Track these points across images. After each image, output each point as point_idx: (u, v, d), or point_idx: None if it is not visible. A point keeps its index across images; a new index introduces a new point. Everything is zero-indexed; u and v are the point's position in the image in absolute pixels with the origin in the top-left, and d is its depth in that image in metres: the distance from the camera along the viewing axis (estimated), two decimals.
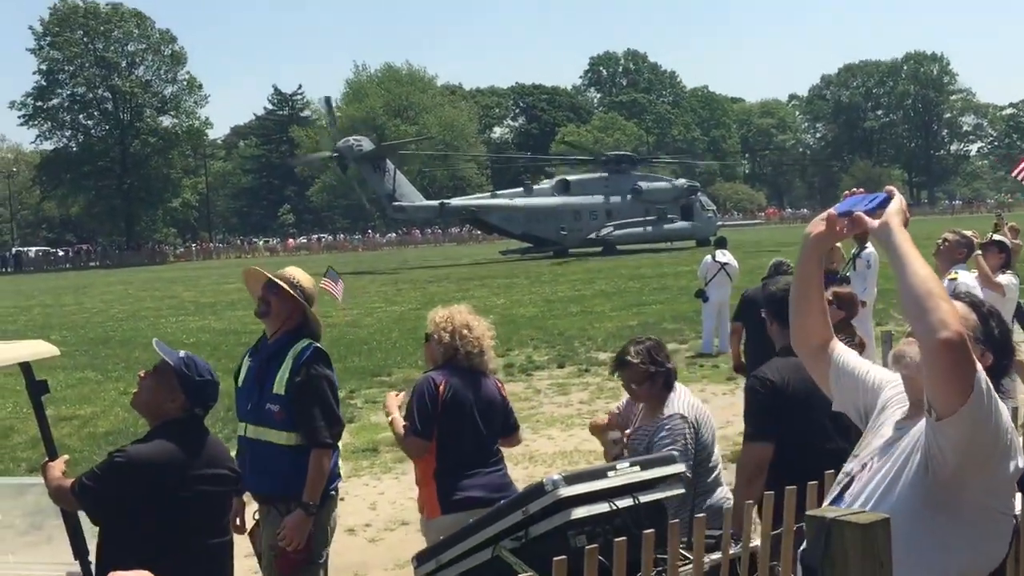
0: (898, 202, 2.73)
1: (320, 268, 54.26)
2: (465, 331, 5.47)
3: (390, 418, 5.70)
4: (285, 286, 5.35)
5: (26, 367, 4.77)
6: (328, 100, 70.21)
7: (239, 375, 5.60)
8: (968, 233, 9.50)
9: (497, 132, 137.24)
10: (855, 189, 2.92)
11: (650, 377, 4.96)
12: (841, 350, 3.14)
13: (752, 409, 4.81)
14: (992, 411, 2.48)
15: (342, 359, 19.00)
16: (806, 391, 4.50)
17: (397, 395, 5.89)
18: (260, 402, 5.28)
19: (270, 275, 5.45)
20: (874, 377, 3.10)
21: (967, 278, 8.77)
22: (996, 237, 9.77)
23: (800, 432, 4.55)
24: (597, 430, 5.68)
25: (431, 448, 5.34)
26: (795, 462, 4.33)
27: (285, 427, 5.21)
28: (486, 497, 5.10)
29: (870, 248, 16.82)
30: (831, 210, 2.87)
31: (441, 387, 5.34)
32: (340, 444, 5.50)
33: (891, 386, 3.04)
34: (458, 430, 5.35)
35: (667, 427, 4.87)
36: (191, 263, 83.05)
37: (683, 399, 5.11)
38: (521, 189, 59.62)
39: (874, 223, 2.70)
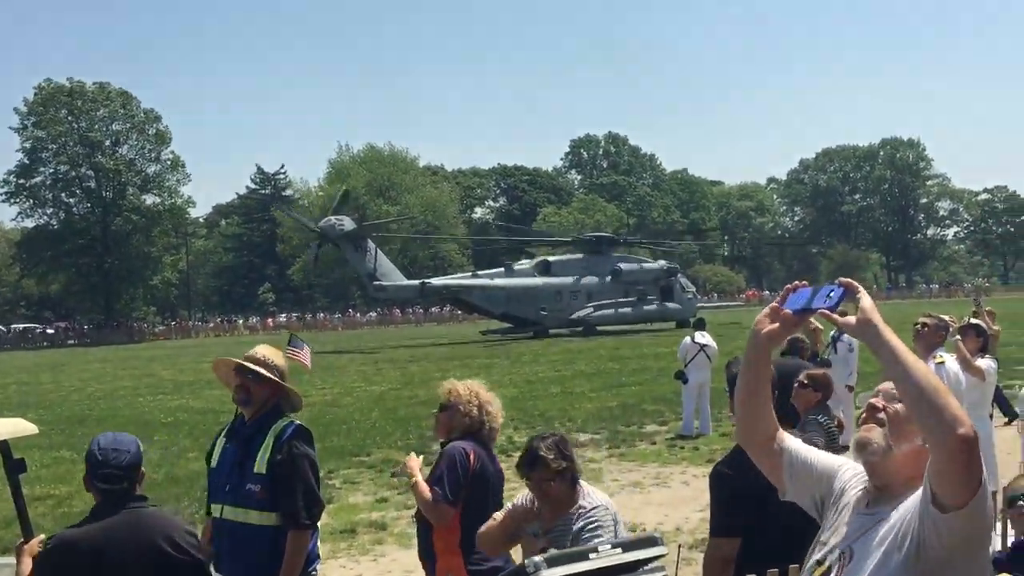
0: (868, 297, 2.70)
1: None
2: (489, 407, 5.70)
3: (413, 480, 5.71)
4: (261, 369, 5.29)
5: (3, 445, 4.74)
6: (347, 194, 70.46)
7: (212, 456, 5.49)
8: (945, 317, 9.57)
9: (479, 212, 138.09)
10: (797, 283, 2.84)
11: (560, 473, 4.81)
12: (789, 440, 3.10)
13: (718, 500, 4.73)
14: (988, 500, 2.50)
15: (321, 438, 18.82)
16: (760, 489, 4.57)
17: (418, 457, 5.92)
18: (240, 483, 5.18)
19: (241, 361, 5.35)
20: (825, 464, 3.09)
21: (952, 361, 8.83)
22: (974, 321, 9.85)
23: (768, 523, 4.38)
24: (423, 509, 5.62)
25: (455, 518, 5.46)
26: (764, 554, 4.30)
27: (265, 507, 5.13)
28: (504, 567, 5.17)
29: None
30: (785, 310, 2.80)
31: (471, 457, 5.50)
32: (318, 524, 5.44)
33: (844, 470, 3.03)
34: (483, 502, 5.49)
35: (592, 518, 4.76)
36: (170, 341, 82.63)
37: (595, 492, 5.07)
38: (502, 269, 59.85)
39: (851, 321, 2.65)
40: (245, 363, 5.32)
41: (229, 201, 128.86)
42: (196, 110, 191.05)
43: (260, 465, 5.17)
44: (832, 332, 16.32)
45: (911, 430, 2.74)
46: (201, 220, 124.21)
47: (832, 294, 2.68)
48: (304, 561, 5.16)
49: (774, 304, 2.83)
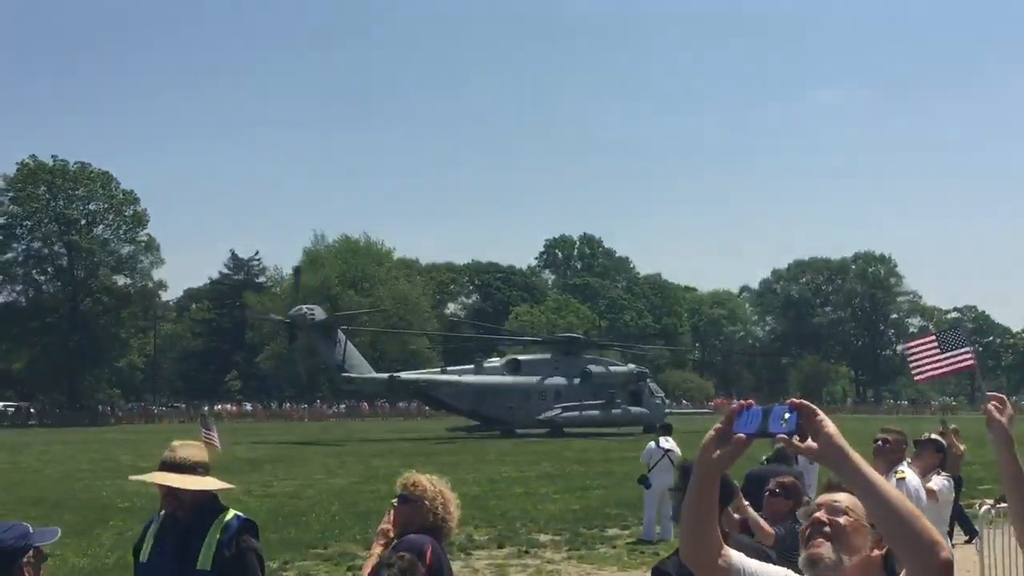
0: (829, 421, 2.62)
1: (265, 436, 53.02)
2: (452, 506, 5.66)
3: (371, 552, 5.63)
4: (191, 481, 5.18)
5: None
6: (297, 271, 70.27)
7: (141, 550, 5.33)
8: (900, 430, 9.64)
9: (451, 308, 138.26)
10: (743, 403, 2.76)
11: None
12: (734, 555, 3.09)
13: None
14: None
15: (279, 529, 18.72)
16: None
17: (388, 529, 5.72)
18: None
19: (172, 485, 5.19)
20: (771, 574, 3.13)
21: (912, 476, 8.84)
22: (933, 436, 9.88)
23: None
24: None
25: None
26: None
27: None
28: None
29: None
30: (738, 433, 2.70)
31: (429, 555, 5.41)
32: None
33: None
34: None
35: None
36: (133, 426, 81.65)
37: None
38: (472, 366, 59.85)
39: (814, 446, 2.59)
40: (173, 485, 5.16)
41: (201, 285, 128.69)
42: (172, 192, 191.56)
43: (204, 561, 5.02)
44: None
45: (858, 542, 2.82)
46: (171, 303, 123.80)
47: (787, 416, 2.58)
48: None
49: (720, 426, 2.76)
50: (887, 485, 2.48)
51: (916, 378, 11.05)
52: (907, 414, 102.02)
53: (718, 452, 2.74)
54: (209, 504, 5.23)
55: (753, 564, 3.10)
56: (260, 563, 5.16)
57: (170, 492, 5.18)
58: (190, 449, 5.39)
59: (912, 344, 10.84)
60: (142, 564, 5.29)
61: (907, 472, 8.80)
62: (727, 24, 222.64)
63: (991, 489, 22.32)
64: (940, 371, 10.22)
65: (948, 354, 10.22)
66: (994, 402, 3.22)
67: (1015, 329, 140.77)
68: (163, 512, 5.34)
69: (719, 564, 2.97)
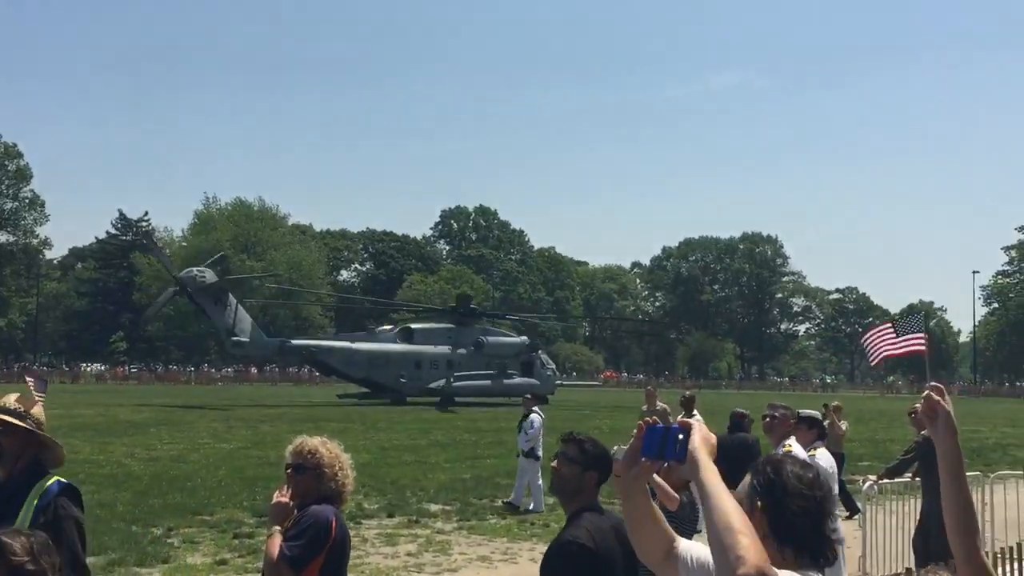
0: (698, 432, 2.75)
1: (150, 399, 51.92)
2: (348, 471, 5.44)
3: (271, 533, 5.30)
4: (13, 420, 4.80)
5: None
6: (149, 234, 68.06)
7: None
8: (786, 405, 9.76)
9: (344, 275, 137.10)
10: (649, 420, 2.86)
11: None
12: (683, 545, 3.14)
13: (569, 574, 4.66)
14: None
15: (163, 494, 18.25)
16: (614, 553, 4.72)
17: (288, 501, 5.37)
18: None
19: None
20: None
21: (799, 450, 8.98)
22: (805, 412, 9.98)
23: None
24: None
25: None
26: None
27: None
28: None
29: (696, 417, 17.61)
30: (643, 458, 2.82)
31: (334, 526, 5.24)
32: None
33: None
34: (339, 570, 5.31)
35: None
36: (12, 385, 79.13)
37: None
38: (364, 333, 59.36)
39: (685, 463, 2.72)
40: None
41: (87, 244, 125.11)
42: (59, 148, 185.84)
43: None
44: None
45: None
46: (56, 262, 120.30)
47: (680, 438, 2.73)
48: None
49: (631, 445, 2.85)
50: (725, 498, 2.57)
51: (871, 362, 11.35)
52: (789, 391, 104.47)
53: (633, 471, 2.87)
54: (32, 466, 4.85)
55: (696, 548, 3.14)
56: (79, 532, 4.77)
57: None
58: (28, 401, 5.01)
59: (870, 334, 11.23)
60: None
61: (794, 445, 8.98)
62: (632, 1, 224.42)
63: (872, 466, 22.90)
64: (893, 352, 10.55)
65: (902, 338, 10.57)
66: (936, 390, 3.18)
67: (893, 311, 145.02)
68: None
69: (670, 557, 3.10)
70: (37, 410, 4.96)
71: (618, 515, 5.45)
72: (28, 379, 5.69)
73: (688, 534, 7.03)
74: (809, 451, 9.45)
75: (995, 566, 8.16)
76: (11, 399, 4.97)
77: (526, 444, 18.07)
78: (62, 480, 4.84)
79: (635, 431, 2.85)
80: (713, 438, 2.77)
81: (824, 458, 9.47)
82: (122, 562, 12.49)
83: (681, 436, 2.74)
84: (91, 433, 31.24)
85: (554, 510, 17.68)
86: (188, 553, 13.39)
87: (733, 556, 2.43)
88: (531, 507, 17.72)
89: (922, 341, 10.28)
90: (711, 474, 2.65)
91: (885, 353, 10.76)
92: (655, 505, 3.13)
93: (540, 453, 18.27)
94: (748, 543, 2.46)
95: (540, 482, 17.92)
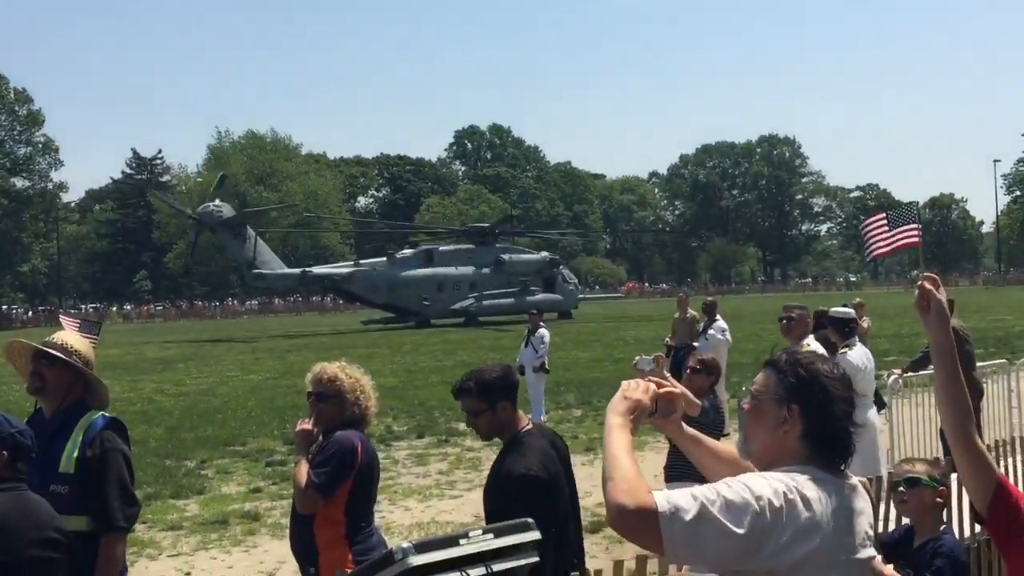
0: (632, 387, 2.87)
1: (176, 335, 52.35)
2: (371, 394, 5.52)
3: (299, 459, 5.41)
4: (59, 354, 4.79)
5: None
6: (223, 178, 67.72)
7: None
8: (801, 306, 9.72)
9: (361, 202, 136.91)
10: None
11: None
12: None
13: (529, 506, 4.31)
14: (682, 547, 2.49)
15: (194, 428, 18.47)
16: (560, 474, 4.83)
17: (314, 429, 5.48)
18: (43, 483, 4.50)
19: (38, 345, 4.84)
20: None
21: (818, 347, 8.96)
22: (835, 311, 9.90)
23: (555, 522, 4.58)
24: None
25: (339, 510, 5.25)
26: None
27: (74, 511, 4.52)
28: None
29: (719, 322, 17.69)
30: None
31: (360, 451, 5.29)
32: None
33: None
34: (367, 493, 5.38)
35: None
36: (39, 329, 79.91)
37: None
38: (384, 259, 59.36)
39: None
40: (41, 347, 4.81)
41: (103, 186, 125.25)
42: (70, 92, 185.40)
43: (66, 464, 4.64)
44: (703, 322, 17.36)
45: (757, 425, 2.80)
46: (73, 205, 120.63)
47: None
48: (119, 569, 4.69)
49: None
50: (609, 442, 2.69)
51: (867, 256, 11.20)
52: (812, 291, 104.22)
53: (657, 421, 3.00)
54: (77, 405, 4.83)
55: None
56: (128, 466, 4.76)
57: (36, 372, 4.81)
58: (73, 336, 5.02)
59: (866, 223, 10.97)
60: None
61: (812, 345, 8.96)
62: None
63: (897, 360, 22.88)
64: (883, 249, 10.29)
65: (896, 231, 10.31)
66: (929, 280, 3.15)
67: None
68: (28, 417, 4.91)
69: None
70: (84, 347, 4.94)
71: (548, 427, 5.44)
72: (64, 320, 5.67)
73: (716, 437, 7.10)
74: (841, 349, 9.42)
75: (1016, 452, 8.16)
76: (59, 336, 4.95)
77: (537, 360, 18.11)
78: (107, 415, 4.84)
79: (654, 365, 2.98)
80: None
81: (857, 355, 9.41)
82: (158, 496, 12.69)
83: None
84: (120, 371, 31.58)
85: (561, 421, 17.88)
86: (222, 483, 13.58)
87: (610, 492, 2.54)
88: (531, 418, 17.82)
89: (915, 233, 10.13)
90: (612, 426, 2.76)
91: (876, 251, 10.56)
92: (709, 443, 3.13)
93: (548, 367, 18.65)
94: (616, 484, 2.55)
95: (542, 394, 18.30)
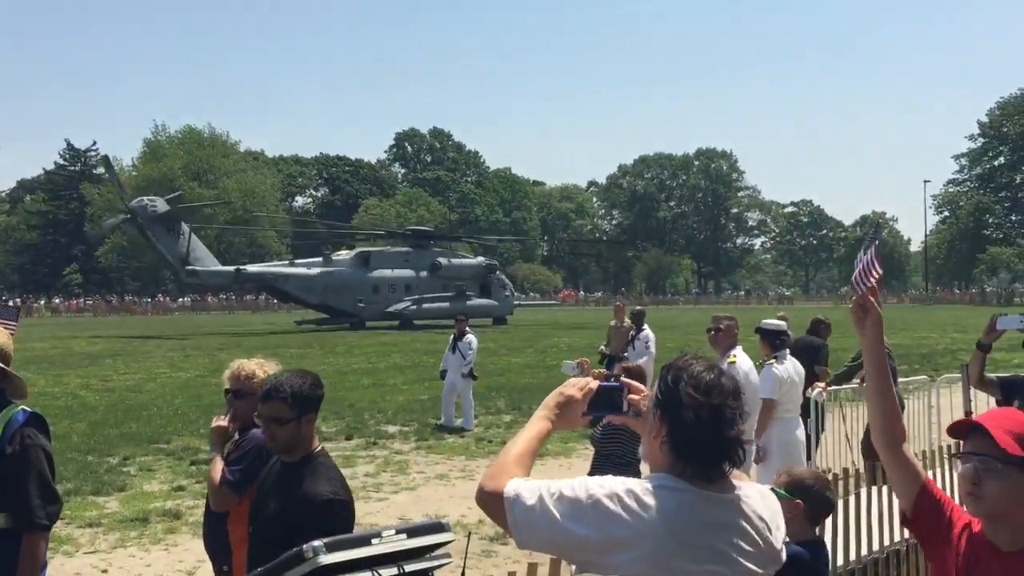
0: (574, 390, 2.95)
1: (106, 330, 51.48)
2: None
3: (213, 456, 5.33)
4: None
5: None
6: (107, 159, 66.22)
7: None
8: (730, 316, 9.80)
9: (299, 201, 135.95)
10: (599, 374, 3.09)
11: None
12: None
13: (337, 532, 4.00)
14: (535, 525, 2.65)
15: (119, 424, 18.19)
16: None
17: (230, 426, 5.40)
18: None
19: None
20: None
21: (744, 360, 9.03)
22: (766, 324, 9.99)
23: None
24: None
25: (246, 509, 5.08)
26: None
27: None
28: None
29: (646, 331, 18.02)
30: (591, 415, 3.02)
31: None
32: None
33: None
34: None
35: None
36: None
37: None
38: (320, 259, 58.94)
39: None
40: None
41: (35, 176, 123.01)
42: (2, 79, 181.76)
43: None
44: (631, 332, 17.57)
45: (645, 431, 2.87)
46: (3, 195, 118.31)
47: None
48: (40, 567, 4.60)
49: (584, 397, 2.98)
50: (522, 432, 2.88)
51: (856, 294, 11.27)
52: (745, 304, 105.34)
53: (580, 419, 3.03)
54: None
55: None
56: (49, 462, 4.66)
57: None
58: None
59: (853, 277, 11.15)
60: None
61: (739, 356, 9.02)
62: None
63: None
64: (861, 283, 10.12)
65: (858, 260, 10.26)
66: (872, 292, 3.18)
67: (847, 223, 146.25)
68: None
69: None
70: (3, 337, 4.79)
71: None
72: (3, 322, 5.49)
73: (636, 448, 7.15)
74: (769, 360, 9.53)
75: (935, 465, 8.32)
76: None
77: (465, 366, 18.21)
78: (27, 409, 4.70)
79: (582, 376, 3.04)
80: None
81: (785, 368, 9.53)
82: (78, 491, 12.47)
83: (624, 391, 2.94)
84: (45, 365, 31.02)
85: (491, 427, 17.89)
86: (144, 481, 13.38)
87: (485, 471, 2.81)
88: (462, 423, 17.81)
89: (864, 259, 10.21)
90: (535, 421, 2.92)
91: (861, 287, 10.48)
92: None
93: (476, 373, 18.82)
94: (500, 463, 2.79)
95: (471, 400, 18.25)
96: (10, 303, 17.88)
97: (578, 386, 2.94)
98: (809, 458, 11.88)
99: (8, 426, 4.56)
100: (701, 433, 2.65)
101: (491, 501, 2.71)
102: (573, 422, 2.96)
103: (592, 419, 2.99)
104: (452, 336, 19.01)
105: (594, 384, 2.95)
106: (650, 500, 2.60)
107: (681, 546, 2.58)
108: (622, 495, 2.60)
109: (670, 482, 2.65)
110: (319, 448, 4.54)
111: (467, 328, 19.00)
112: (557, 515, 2.60)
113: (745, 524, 2.68)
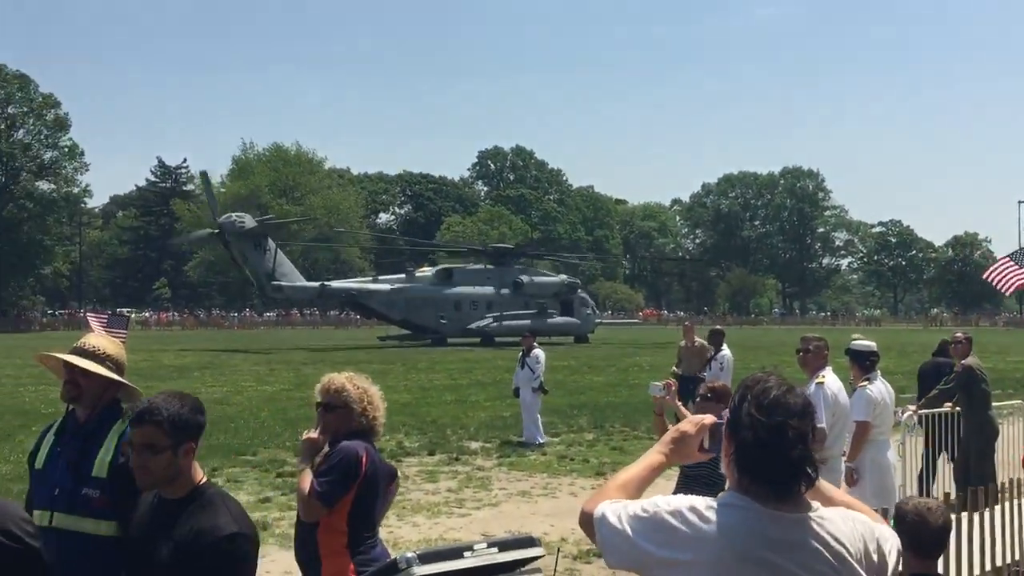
0: (676, 428, 3.03)
1: (193, 344, 52.28)
2: (378, 404, 5.50)
3: (303, 467, 5.41)
4: (92, 367, 4.73)
5: None
6: (205, 175, 67.60)
7: (37, 456, 4.87)
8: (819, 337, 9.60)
9: (383, 218, 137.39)
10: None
11: None
12: None
13: (247, 568, 3.94)
14: (615, 543, 2.75)
15: (207, 436, 18.41)
16: None
17: (320, 439, 5.43)
18: (75, 487, 4.56)
19: (70, 359, 4.73)
20: None
21: (833, 381, 8.83)
22: (857, 345, 9.79)
23: None
24: None
25: (342, 520, 5.25)
26: None
27: (105, 516, 4.55)
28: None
29: (724, 351, 17.70)
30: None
31: (364, 461, 5.29)
32: None
33: None
34: (371, 503, 5.35)
35: None
36: (58, 332, 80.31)
37: None
38: (403, 275, 59.51)
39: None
40: (71, 359, 4.72)
41: (127, 193, 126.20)
42: (98, 97, 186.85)
43: (99, 468, 4.61)
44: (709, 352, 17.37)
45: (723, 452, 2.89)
46: (97, 211, 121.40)
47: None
48: None
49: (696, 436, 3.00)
50: (631, 467, 2.99)
51: (1007, 292, 13.14)
52: (830, 325, 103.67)
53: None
54: (111, 407, 4.81)
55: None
56: None
57: (71, 380, 4.76)
58: (103, 340, 5.01)
59: (991, 270, 12.78)
60: (37, 471, 4.84)
61: (827, 377, 8.79)
62: None
63: (914, 397, 22.77)
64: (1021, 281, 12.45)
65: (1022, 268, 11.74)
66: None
67: (937, 243, 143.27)
68: (61, 419, 4.93)
69: None
70: (115, 349, 4.90)
71: None
72: (91, 319, 5.63)
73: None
74: (861, 383, 9.25)
75: None
76: (89, 341, 4.90)
77: (535, 380, 18.37)
78: None
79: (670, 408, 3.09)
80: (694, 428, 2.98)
81: (876, 389, 9.20)
82: None
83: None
84: (135, 378, 31.24)
85: (573, 444, 17.83)
86: (233, 491, 13.54)
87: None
88: (535, 438, 17.80)
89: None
90: (651, 453, 3.02)
91: (1019, 281, 12.07)
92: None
93: (545, 387, 19.03)
94: (596, 496, 2.88)
95: (538, 415, 18.34)
96: (121, 312, 18.20)
97: (693, 422, 2.99)
98: (928, 482, 11.73)
99: (123, 436, 4.59)
100: (763, 452, 2.64)
101: (585, 521, 2.84)
102: (688, 456, 3.00)
103: (714, 454, 2.98)
104: (520, 353, 19.22)
105: (708, 421, 2.97)
106: (711, 516, 2.64)
107: (741, 563, 2.59)
108: (684, 512, 2.67)
109: (734, 500, 2.67)
110: (204, 480, 4.04)
111: (534, 343, 19.09)
112: (630, 532, 2.69)
113: (818, 545, 2.65)
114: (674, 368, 19.35)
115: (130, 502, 4.45)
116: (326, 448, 5.50)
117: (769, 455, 2.63)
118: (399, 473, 5.91)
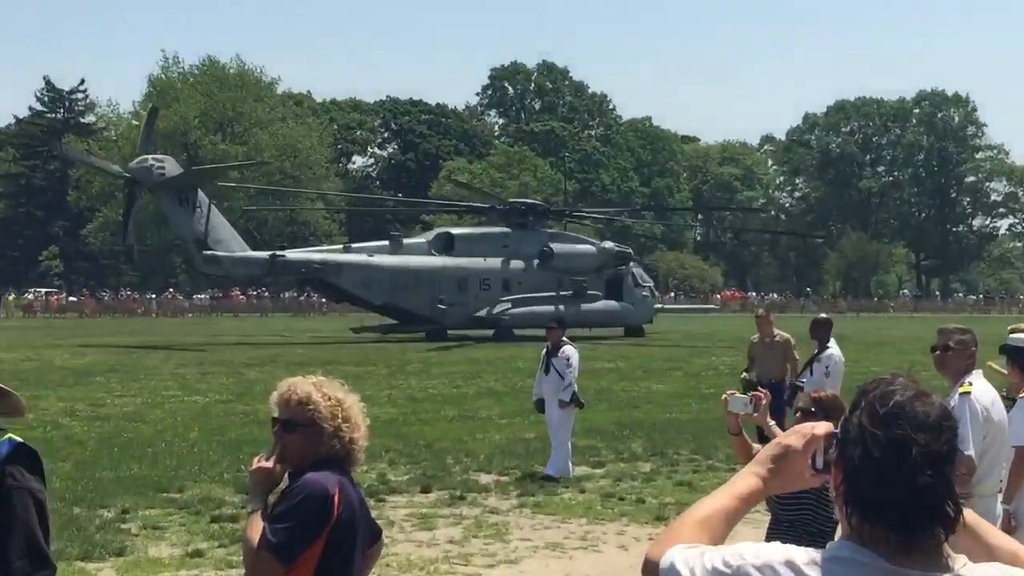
0: (795, 437, 2.96)
1: (96, 336, 52.98)
2: (358, 421, 5.36)
3: (253, 511, 5.35)
4: None
5: None
6: (154, 111, 66.30)
7: None
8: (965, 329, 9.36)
9: (358, 162, 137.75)
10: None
11: None
12: None
13: None
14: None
15: (115, 465, 18.60)
16: None
17: (276, 469, 5.38)
18: None
19: None
20: None
21: (983, 390, 8.72)
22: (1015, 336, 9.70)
23: None
24: None
25: (311, 570, 5.16)
26: None
27: None
28: None
29: (831, 350, 16.77)
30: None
31: (336, 501, 5.14)
32: None
33: None
34: (346, 559, 5.26)
35: None
36: None
37: None
38: (387, 243, 59.45)
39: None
40: None
41: (4, 126, 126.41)
42: None
43: None
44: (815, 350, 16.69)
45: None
46: None
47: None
48: None
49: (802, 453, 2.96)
50: (715, 494, 2.99)
51: None
52: (984, 313, 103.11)
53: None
54: None
55: None
56: (40, 510, 4.65)
57: None
58: None
59: None
60: None
61: (976, 384, 8.67)
62: None
63: None
64: None
65: None
66: None
67: None
68: None
69: None
70: None
71: None
72: None
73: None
74: (962, 385, 9.06)
75: None
76: None
77: (565, 390, 17.77)
78: (15, 438, 4.74)
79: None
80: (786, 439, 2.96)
81: (983, 393, 9.01)
82: (62, 555, 12.72)
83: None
84: (16, 384, 31.39)
85: (623, 478, 17.82)
86: (150, 542, 13.65)
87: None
88: (557, 471, 17.59)
89: None
90: (740, 475, 3.03)
91: None
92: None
93: (582, 399, 18.43)
94: (671, 533, 2.90)
95: (568, 439, 18.04)
96: None
97: (801, 432, 2.92)
98: None
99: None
100: (876, 479, 2.57)
101: (646, 571, 2.85)
102: (793, 480, 2.95)
103: (828, 476, 2.85)
104: (544, 351, 18.58)
105: (820, 430, 2.90)
106: (813, 575, 2.62)
107: None
108: (777, 567, 2.64)
109: (848, 552, 2.63)
110: None
111: (564, 338, 18.51)
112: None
113: None
114: (744, 373, 19.25)
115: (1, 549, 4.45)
116: (285, 482, 5.46)
117: (885, 484, 2.57)
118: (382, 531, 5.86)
